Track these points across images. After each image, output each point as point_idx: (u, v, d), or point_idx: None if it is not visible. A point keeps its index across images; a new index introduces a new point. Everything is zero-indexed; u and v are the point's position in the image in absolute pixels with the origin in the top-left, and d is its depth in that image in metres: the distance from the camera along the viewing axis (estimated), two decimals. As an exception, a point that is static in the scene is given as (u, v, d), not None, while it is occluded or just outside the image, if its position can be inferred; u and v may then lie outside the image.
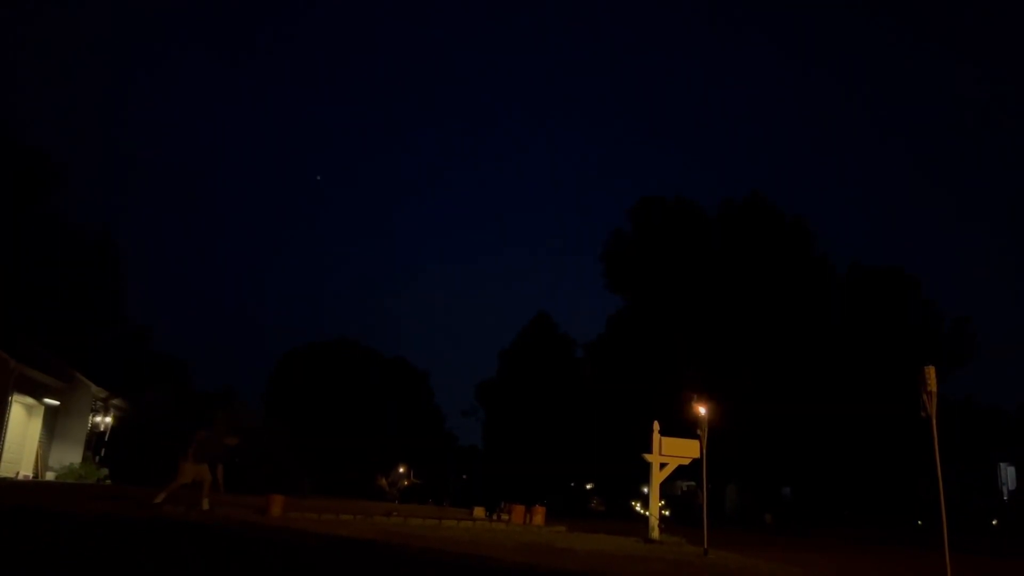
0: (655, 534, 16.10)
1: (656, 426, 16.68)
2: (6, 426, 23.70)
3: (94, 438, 29.40)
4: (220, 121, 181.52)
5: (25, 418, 26.32)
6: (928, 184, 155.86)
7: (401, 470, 50.46)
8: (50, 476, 25.98)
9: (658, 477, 16.62)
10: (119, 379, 33.25)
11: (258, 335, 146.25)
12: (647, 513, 17.48)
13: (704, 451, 14.59)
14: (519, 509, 18.44)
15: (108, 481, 26.90)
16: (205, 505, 13.78)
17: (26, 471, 25.38)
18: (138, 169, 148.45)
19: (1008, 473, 40.74)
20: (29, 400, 25.81)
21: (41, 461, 26.49)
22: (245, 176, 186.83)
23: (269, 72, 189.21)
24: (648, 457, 16.60)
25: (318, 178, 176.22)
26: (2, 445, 23.57)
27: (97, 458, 28.64)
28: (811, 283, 41.74)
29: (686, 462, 16.51)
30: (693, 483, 43.99)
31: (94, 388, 28.84)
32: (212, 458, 14.14)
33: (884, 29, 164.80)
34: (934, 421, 8.94)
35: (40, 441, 26.69)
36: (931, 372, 8.88)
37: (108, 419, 30.08)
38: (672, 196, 45.52)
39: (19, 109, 70.81)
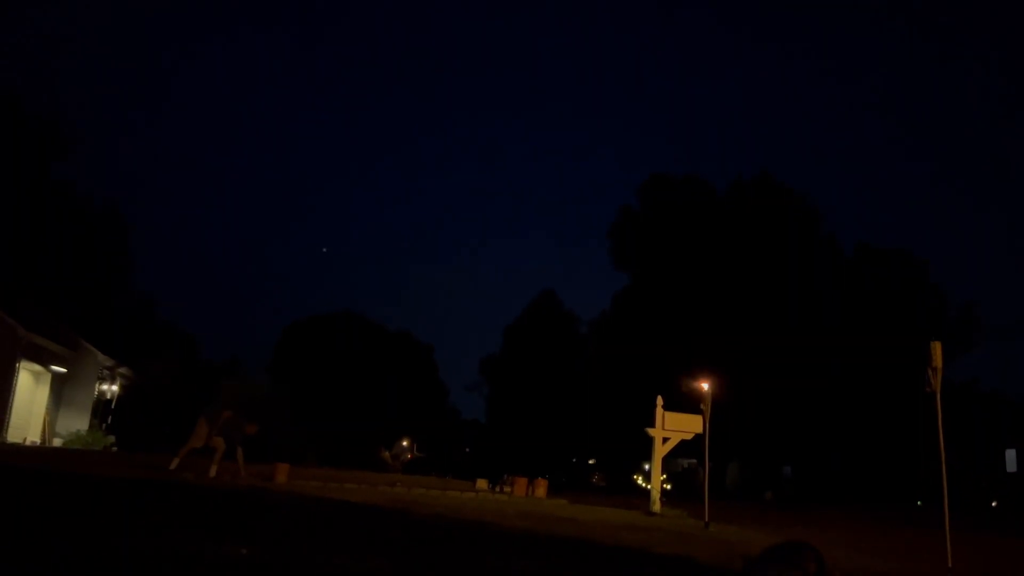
0: (656, 507, 16.23)
1: (660, 401, 16.77)
2: (14, 392, 23.93)
3: (100, 406, 29.67)
4: (228, 94, 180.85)
5: (32, 385, 26.54)
6: (938, 168, 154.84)
7: (404, 443, 50.73)
8: (57, 442, 26.24)
9: (660, 451, 16.71)
10: (125, 348, 33.47)
11: (263, 306, 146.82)
12: (649, 487, 17.60)
13: (707, 426, 14.68)
14: (521, 481, 18.55)
15: (115, 448, 27.17)
16: (213, 472, 13.96)
17: (33, 437, 25.64)
18: (145, 138, 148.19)
19: (1008, 456, 40.91)
20: (36, 367, 26.01)
21: (48, 427, 26.74)
22: (252, 148, 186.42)
23: (277, 45, 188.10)
24: (651, 431, 16.69)
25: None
26: (10, 411, 23.81)
27: (104, 425, 28.91)
28: (818, 263, 41.67)
29: (689, 436, 16.59)
30: (695, 460, 44.19)
31: (100, 356, 29.05)
32: (232, 440, 14.45)
33: (895, 11, 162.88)
34: (938, 396, 8.96)
35: (47, 408, 26.94)
36: (937, 348, 8.89)
37: (115, 387, 30.33)
38: (681, 174, 45.46)
39: (27, 78, 70.52)
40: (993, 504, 37.44)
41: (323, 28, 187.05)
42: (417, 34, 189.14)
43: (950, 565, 8.44)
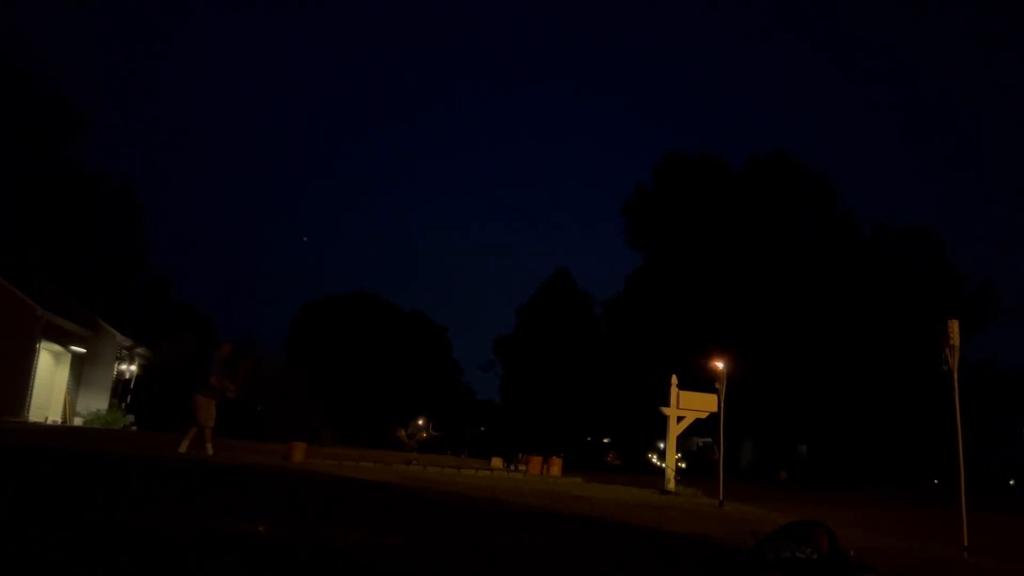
0: (671, 486, 16.25)
1: (674, 380, 16.75)
2: (35, 372, 24.22)
3: (120, 385, 29.99)
4: (242, 71, 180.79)
5: (53, 365, 26.85)
6: (957, 147, 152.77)
7: (420, 422, 51.02)
8: (78, 421, 26.58)
9: (675, 430, 16.72)
10: (143, 328, 33.74)
11: (280, 286, 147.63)
12: (663, 465, 17.62)
13: (722, 405, 14.64)
14: (536, 460, 18.61)
15: (134, 427, 27.52)
16: (209, 450, 13.41)
17: (55, 416, 25.97)
18: (160, 118, 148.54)
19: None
20: (56, 347, 26.29)
21: (69, 407, 27.09)
22: (267, 127, 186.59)
23: (292, 21, 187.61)
24: (666, 410, 16.69)
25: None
26: (32, 390, 24.12)
27: (123, 405, 29.24)
28: (835, 242, 41.35)
29: (703, 415, 16.57)
30: (709, 439, 44.24)
31: (119, 336, 29.33)
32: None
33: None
34: (955, 375, 8.88)
35: (68, 387, 27.26)
36: (954, 326, 8.79)
37: (133, 367, 30.66)
38: (697, 152, 45.09)
39: (41, 56, 70.76)
40: (1010, 483, 37.30)
41: (336, 6, 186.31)
42: (429, 9, 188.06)
43: (966, 544, 8.41)
